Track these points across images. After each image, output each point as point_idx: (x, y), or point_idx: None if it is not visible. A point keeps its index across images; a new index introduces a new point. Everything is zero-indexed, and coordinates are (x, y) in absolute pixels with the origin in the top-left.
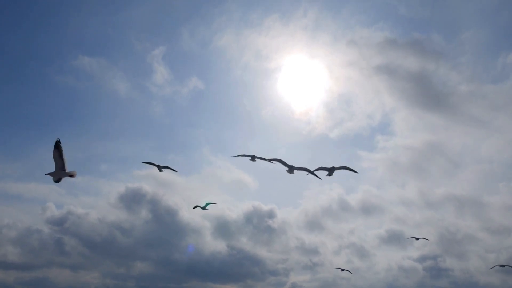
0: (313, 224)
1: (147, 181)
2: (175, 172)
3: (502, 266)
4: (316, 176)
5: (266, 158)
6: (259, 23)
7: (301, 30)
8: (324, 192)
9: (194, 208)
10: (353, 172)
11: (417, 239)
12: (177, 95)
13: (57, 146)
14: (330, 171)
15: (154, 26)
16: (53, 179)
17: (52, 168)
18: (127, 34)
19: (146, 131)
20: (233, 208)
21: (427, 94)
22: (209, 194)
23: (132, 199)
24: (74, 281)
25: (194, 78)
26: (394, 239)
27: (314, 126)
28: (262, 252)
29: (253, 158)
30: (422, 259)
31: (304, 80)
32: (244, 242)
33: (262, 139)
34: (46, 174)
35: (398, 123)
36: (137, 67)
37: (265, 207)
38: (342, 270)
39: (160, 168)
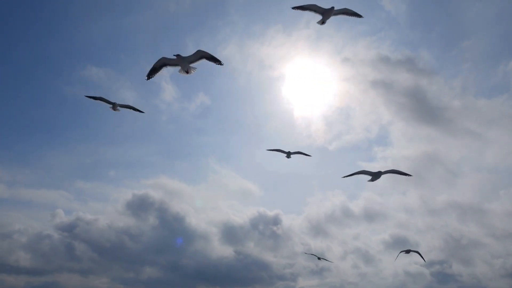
0: (318, 230)
1: (154, 188)
2: (183, 181)
3: (407, 252)
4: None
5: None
6: (262, 34)
7: (303, 40)
8: (327, 199)
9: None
10: (356, 179)
11: (407, 252)
12: (184, 111)
13: None
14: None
15: (161, 40)
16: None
17: (59, 176)
18: (134, 48)
19: (152, 138)
20: (239, 214)
21: (422, 108)
22: (217, 201)
23: (140, 206)
24: (84, 286)
25: (201, 93)
26: (399, 244)
27: (314, 139)
28: (268, 257)
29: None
30: (428, 264)
31: (305, 90)
32: (251, 247)
33: (265, 148)
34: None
35: (395, 135)
36: (145, 86)
37: (270, 213)
38: (319, 258)
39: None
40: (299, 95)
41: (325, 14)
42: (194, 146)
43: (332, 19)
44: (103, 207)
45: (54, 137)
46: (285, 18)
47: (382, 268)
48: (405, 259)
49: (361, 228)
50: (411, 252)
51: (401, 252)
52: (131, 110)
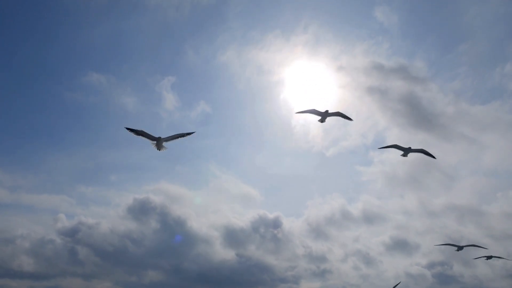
0: (318, 232)
1: (155, 193)
2: (184, 186)
3: (405, 153)
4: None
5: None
6: (260, 39)
7: (302, 45)
8: (326, 202)
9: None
10: (355, 182)
11: (405, 154)
12: (185, 118)
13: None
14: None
15: (161, 47)
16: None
17: (61, 180)
18: (135, 54)
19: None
20: (241, 218)
21: (418, 114)
22: (218, 205)
23: (141, 210)
24: None
25: (202, 102)
26: (399, 246)
27: (312, 145)
28: (270, 259)
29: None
30: (430, 265)
31: (304, 96)
32: (253, 250)
33: (266, 153)
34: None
35: (391, 140)
36: (146, 93)
37: (271, 215)
38: None
39: None
40: (298, 100)
41: (322, 115)
42: (194, 151)
43: None
44: (105, 211)
45: (55, 142)
46: (283, 24)
47: (383, 270)
48: (406, 260)
49: (361, 231)
50: (408, 154)
51: (387, 147)
52: (181, 138)
